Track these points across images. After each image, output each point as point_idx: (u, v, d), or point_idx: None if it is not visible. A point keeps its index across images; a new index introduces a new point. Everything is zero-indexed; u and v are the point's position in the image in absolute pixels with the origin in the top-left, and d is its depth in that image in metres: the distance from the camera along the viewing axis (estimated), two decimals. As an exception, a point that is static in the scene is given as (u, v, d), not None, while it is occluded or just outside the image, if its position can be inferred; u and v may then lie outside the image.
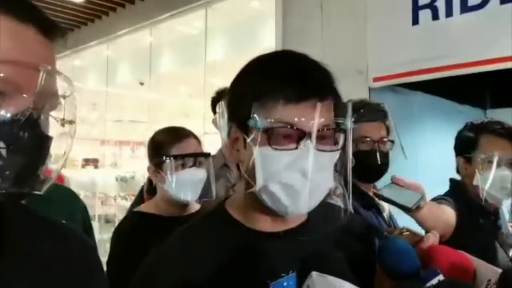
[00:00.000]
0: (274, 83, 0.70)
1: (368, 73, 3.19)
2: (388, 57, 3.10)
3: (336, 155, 0.73)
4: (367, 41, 3.19)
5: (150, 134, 1.68)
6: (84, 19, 6.75)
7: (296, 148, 0.69)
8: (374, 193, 1.26)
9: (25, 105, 0.53)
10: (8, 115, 0.52)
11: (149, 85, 6.97)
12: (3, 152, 0.51)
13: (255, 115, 0.69)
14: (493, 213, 1.60)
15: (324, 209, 0.77)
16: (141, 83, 7.17)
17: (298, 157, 0.68)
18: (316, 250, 0.67)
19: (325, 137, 0.71)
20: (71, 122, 0.59)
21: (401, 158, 1.62)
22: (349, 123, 0.74)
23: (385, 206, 1.49)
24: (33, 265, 0.61)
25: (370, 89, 3.17)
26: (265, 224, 0.77)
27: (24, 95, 0.53)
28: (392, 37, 3.09)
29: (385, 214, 1.48)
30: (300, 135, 0.69)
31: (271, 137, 0.68)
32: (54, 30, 0.58)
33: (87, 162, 8.52)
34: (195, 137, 1.62)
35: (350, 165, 0.75)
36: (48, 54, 0.57)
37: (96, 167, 8.74)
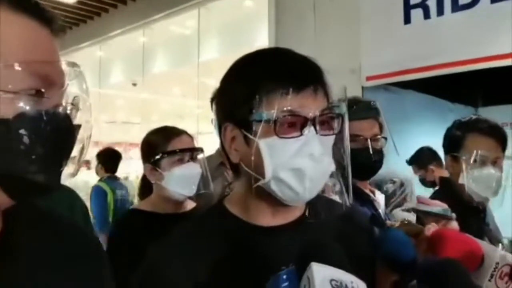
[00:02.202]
0: (273, 76, 0.72)
1: (361, 72, 3.21)
2: (381, 56, 3.13)
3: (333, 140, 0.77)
4: (360, 41, 3.21)
5: (143, 135, 1.70)
6: (76, 20, 6.72)
7: (301, 134, 0.71)
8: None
9: (58, 100, 0.56)
10: (50, 111, 0.54)
11: (142, 85, 6.96)
12: (46, 147, 0.53)
13: (258, 109, 0.71)
14: (481, 210, 1.62)
15: (322, 202, 0.78)
16: (134, 84, 7.15)
17: (304, 143, 0.71)
18: (315, 241, 0.69)
19: (324, 122, 0.74)
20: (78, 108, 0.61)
21: (394, 155, 1.64)
22: (344, 107, 0.77)
23: (381, 202, 1.51)
24: (39, 263, 0.62)
25: (363, 88, 3.19)
26: (265, 219, 0.78)
27: (58, 91, 0.56)
28: (384, 36, 3.11)
29: (381, 210, 1.49)
30: (303, 122, 0.71)
31: (276, 127, 0.70)
32: (57, 25, 0.60)
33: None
34: (188, 134, 1.65)
35: (348, 150, 0.77)
36: (56, 48, 0.60)
37: (88, 168, 8.69)
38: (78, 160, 0.62)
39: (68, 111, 0.58)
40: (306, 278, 0.60)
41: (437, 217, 1.10)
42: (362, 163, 1.40)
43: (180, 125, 1.73)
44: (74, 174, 0.62)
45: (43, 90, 0.54)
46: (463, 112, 3.94)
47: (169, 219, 1.47)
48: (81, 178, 7.42)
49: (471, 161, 1.52)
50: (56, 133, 0.54)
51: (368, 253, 0.81)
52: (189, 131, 1.70)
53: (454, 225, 1.13)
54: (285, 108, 0.70)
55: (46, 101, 0.55)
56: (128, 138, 9.45)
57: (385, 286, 0.79)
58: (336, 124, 0.76)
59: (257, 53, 0.82)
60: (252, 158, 0.72)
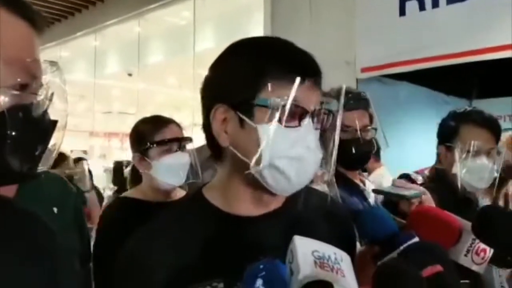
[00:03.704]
0: (282, 64, 0.72)
1: (355, 64, 3.21)
2: (376, 48, 3.13)
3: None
4: (355, 32, 3.21)
5: (139, 126, 1.69)
6: (71, 9, 6.67)
7: (299, 125, 0.72)
8: (373, 190, 1.30)
9: (39, 94, 0.61)
10: (32, 103, 0.60)
11: (138, 76, 6.93)
12: (29, 138, 0.59)
13: (262, 94, 0.71)
14: (474, 201, 1.63)
15: (302, 193, 0.78)
16: (130, 74, 7.13)
17: (303, 133, 0.72)
18: (298, 221, 0.70)
19: (318, 116, 0.75)
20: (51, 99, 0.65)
21: (388, 146, 1.64)
22: (336, 105, 0.79)
23: (371, 193, 1.52)
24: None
25: (357, 79, 3.20)
26: (245, 208, 0.78)
27: (37, 87, 0.61)
28: (380, 28, 3.11)
29: (371, 200, 1.50)
30: (302, 114, 0.72)
31: (281, 115, 0.70)
32: (41, 23, 0.64)
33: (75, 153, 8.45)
34: (177, 124, 1.65)
35: (336, 144, 0.79)
36: (38, 45, 0.64)
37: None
38: (56, 147, 0.66)
39: (46, 104, 0.62)
40: (290, 252, 0.61)
41: (397, 198, 1.11)
42: (352, 153, 1.41)
43: (176, 116, 1.72)
44: (51, 161, 0.66)
45: (27, 84, 0.59)
46: (458, 105, 3.95)
47: (159, 207, 1.47)
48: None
49: (465, 151, 1.53)
50: (36, 125, 0.60)
51: (346, 243, 0.82)
52: (185, 122, 1.70)
53: (430, 201, 1.13)
54: (291, 98, 0.70)
55: (30, 95, 0.59)
56: (124, 129, 9.43)
57: (365, 259, 0.80)
58: (326, 120, 0.77)
59: (261, 39, 0.83)
60: (244, 143, 0.72)
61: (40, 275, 0.67)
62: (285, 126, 0.71)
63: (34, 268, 0.66)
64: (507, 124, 4.11)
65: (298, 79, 0.70)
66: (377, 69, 3.18)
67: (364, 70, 3.21)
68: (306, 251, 0.59)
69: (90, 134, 9.37)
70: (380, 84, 3.28)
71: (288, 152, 0.71)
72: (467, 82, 4.04)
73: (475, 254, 0.91)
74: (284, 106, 0.70)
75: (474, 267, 0.92)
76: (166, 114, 1.73)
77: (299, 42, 0.78)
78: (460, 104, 4.08)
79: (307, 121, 0.72)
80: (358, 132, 1.42)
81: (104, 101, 8.89)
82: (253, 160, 0.71)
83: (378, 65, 3.16)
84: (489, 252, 0.92)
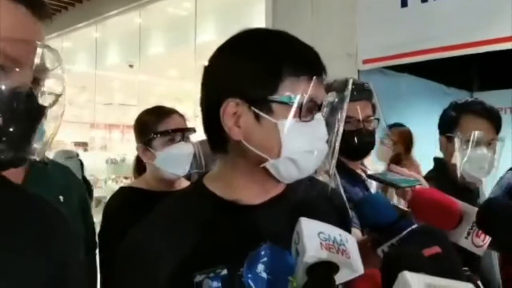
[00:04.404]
0: (299, 60, 0.75)
1: (357, 56, 3.21)
2: (377, 40, 3.12)
3: None
4: (357, 24, 3.21)
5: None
6: (72, 0, 6.64)
7: (312, 119, 0.75)
8: (367, 175, 1.30)
9: (25, 79, 0.58)
10: (10, 88, 0.57)
11: (139, 67, 6.92)
12: (8, 123, 0.56)
13: (281, 91, 0.73)
14: (474, 191, 1.64)
15: (302, 180, 0.80)
16: (131, 66, 7.11)
17: (316, 126, 0.76)
18: (302, 204, 0.72)
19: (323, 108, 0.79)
20: (59, 95, 0.63)
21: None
22: (333, 96, 0.82)
23: (373, 183, 1.53)
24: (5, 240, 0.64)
25: (359, 71, 3.20)
26: (247, 197, 0.79)
27: (25, 70, 0.58)
28: (381, 20, 3.10)
29: (372, 190, 1.51)
30: (315, 108, 0.76)
31: (301, 111, 0.73)
32: (41, 8, 0.62)
33: (76, 145, 8.48)
34: (180, 114, 1.66)
35: (340, 135, 0.81)
36: (38, 31, 0.62)
37: (85, 150, 8.72)
38: (51, 137, 0.65)
39: (36, 91, 0.60)
40: (296, 233, 0.63)
41: (390, 185, 1.12)
42: (355, 144, 1.42)
43: (178, 108, 1.73)
44: (43, 151, 0.64)
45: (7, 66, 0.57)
46: (459, 96, 3.93)
47: (163, 197, 1.49)
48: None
49: (465, 141, 1.54)
50: (17, 111, 0.57)
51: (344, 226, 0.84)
52: (187, 114, 1.71)
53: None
54: (309, 94, 0.73)
55: (9, 79, 0.57)
56: (125, 120, 9.42)
57: (365, 247, 0.81)
58: (328, 111, 0.80)
59: (268, 33, 0.84)
60: (260, 137, 0.74)
61: (51, 261, 0.68)
62: (306, 121, 0.74)
63: (46, 252, 0.68)
64: (508, 116, 4.11)
65: (314, 76, 0.74)
66: (379, 60, 3.17)
67: (365, 61, 3.20)
68: (312, 232, 0.61)
69: (91, 125, 9.37)
70: (381, 75, 3.28)
71: (306, 146, 0.75)
72: (468, 74, 4.04)
73: (475, 236, 0.93)
74: (308, 102, 0.73)
75: (475, 250, 0.93)
76: (167, 105, 1.74)
77: (300, 33, 0.79)
78: (461, 96, 4.07)
79: (318, 114, 0.76)
80: (361, 123, 1.43)
81: (105, 92, 8.88)
82: (272, 155, 0.74)
83: (380, 57, 3.15)
84: None
